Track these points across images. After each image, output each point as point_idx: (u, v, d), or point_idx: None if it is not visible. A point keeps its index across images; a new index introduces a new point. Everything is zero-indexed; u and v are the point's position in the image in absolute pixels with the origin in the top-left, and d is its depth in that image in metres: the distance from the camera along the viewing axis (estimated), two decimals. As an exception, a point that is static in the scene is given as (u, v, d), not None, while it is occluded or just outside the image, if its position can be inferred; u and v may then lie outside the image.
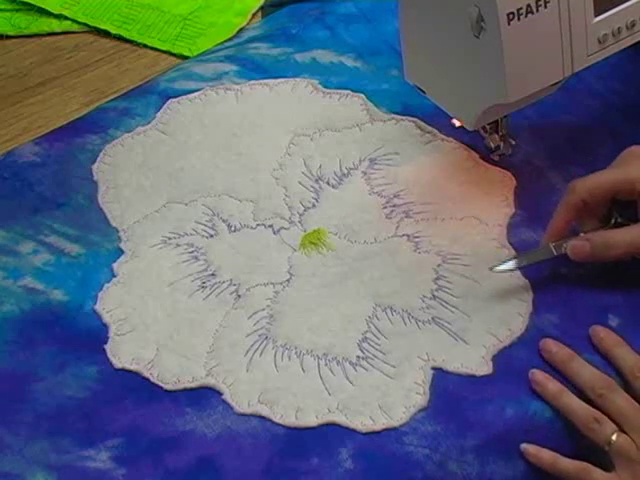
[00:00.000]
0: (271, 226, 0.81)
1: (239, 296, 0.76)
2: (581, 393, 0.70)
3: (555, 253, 0.75)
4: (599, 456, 0.69)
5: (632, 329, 0.73)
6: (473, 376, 0.71)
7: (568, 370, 0.71)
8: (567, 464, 0.68)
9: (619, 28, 0.75)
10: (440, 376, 0.71)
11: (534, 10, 0.70)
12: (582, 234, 0.75)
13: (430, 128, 0.86)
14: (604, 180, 0.74)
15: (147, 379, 0.72)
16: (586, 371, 0.70)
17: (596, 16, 0.73)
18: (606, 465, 0.68)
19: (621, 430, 0.68)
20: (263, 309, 0.75)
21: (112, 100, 0.92)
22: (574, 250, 0.74)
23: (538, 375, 0.71)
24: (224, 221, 0.81)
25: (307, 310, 0.75)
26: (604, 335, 0.72)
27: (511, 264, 0.75)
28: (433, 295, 0.76)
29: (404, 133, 0.86)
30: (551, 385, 0.70)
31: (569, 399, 0.70)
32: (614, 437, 0.67)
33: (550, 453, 0.69)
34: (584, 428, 0.69)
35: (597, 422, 0.68)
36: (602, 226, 0.75)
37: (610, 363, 0.72)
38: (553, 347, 0.72)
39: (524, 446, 0.69)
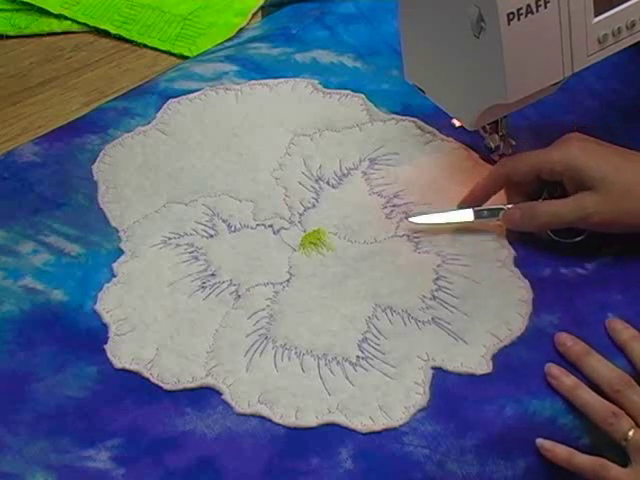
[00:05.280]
0: (271, 226, 0.81)
1: (239, 296, 0.76)
2: (596, 388, 0.70)
3: (473, 219, 0.79)
4: (601, 457, 0.69)
5: (632, 329, 0.73)
6: (473, 375, 0.71)
7: (584, 365, 0.71)
8: (583, 460, 0.68)
9: (619, 28, 0.75)
10: (440, 376, 0.71)
11: (534, 10, 0.70)
12: (508, 206, 0.78)
13: (430, 128, 0.86)
14: (527, 159, 0.78)
15: (147, 379, 0.72)
16: (602, 366, 0.70)
17: (596, 16, 0.73)
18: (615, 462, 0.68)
19: (638, 426, 0.68)
20: (263, 309, 0.75)
21: (112, 100, 0.92)
22: (506, 217, 0.78)
23: (554, 369, 0.71)
24: (224, 221, 0.81)
25: (307, 310, 0.75)
26: (621, 327, 0.73)
27: (427, 218, 0.79)
28: (433, 295, 0.76)
29: (404, 133, 0.86)
30: (567, 379, 0.70)
31: (586, 394, 0.70)
32: (631, 433, 0.67)
33: (566, 449, 0.69)
34: (602, 423, 0.68)
35: (615, 417, 0.68)
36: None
37: (625, 356, 0.72)
38: (568, 341, 0.72)
39: (540, 441, 0.69)
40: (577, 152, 0.75)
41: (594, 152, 0.75)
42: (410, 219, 0.79)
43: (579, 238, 0.77)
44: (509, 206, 0.78)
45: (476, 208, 0.79)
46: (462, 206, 0.80)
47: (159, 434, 0.69)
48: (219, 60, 0.94)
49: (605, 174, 0.74)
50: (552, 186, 0.77)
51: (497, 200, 0.80)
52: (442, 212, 0.79)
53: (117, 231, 0.81)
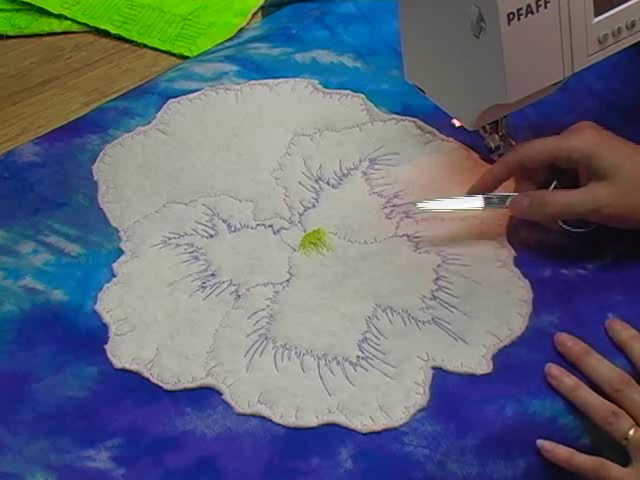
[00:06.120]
0: (271, 226, 0.81)
1: (239, 296, 0.76)
2: (596, 388, 0.70)
3: (483, 206, 0.77)
4: (602, 456, 0.69)
5: (632, 329, 0.73)
6: (473, 375, 0.71)
7: (584, 364, 0.71)
8: (583, 460, 0.68)
9: (619, 28, 0.75)
10: (440, 376, 0.71)
11: (534, 10, 0.70)
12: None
13: (430, 128, 0.86)
14: (542, 145, 0.76)
15: (147, 379, 0.72)
16: (602, 366, 0.70)
17: (596, 16, 0.73)
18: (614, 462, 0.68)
19: (638, 425, 0.68)
20: (263, 309, 0.75)
21: (112, 100, 0.92)
22: (514, 205, 0.76)
23: (554, 369, 0.71)
24: (224, 221, 0.81)
25: (307, 310, 0.75)
26: (621, 328, 0.73)
27: (436, 204, 0.78)
28: (433, 295, 0.76)
29: (404, 133, 0.86)
30: (567, 379, 0.70)
31: (586, 393, 0.70)
32: (631, 432, 0.67)
33: (566, 449, 0.69)
34: (602, 422, 0.68)
35: (615, 416, 0.68)
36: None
37: (625, 356, 0.72)
38: (568, 341, 0.72)
39: (540, 442, 0.69)
40: (591, 139, 0.74)
41: (606, 141, 0.74)
42: (418, 205, 0.78)
43: (588, 229, 0.76)
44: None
45: (486, 195, 0.78)
46: (471, 193, 0.78)
47: (159, 434, 0.69)
48: (219, 60, 0.94)
49: (617, 163, 0.73)
50: (563, 176, 0.76)
51: (505, 190, 0.79)
52: (451, 199, 0.79)
53: (117, 231, 0.81)
